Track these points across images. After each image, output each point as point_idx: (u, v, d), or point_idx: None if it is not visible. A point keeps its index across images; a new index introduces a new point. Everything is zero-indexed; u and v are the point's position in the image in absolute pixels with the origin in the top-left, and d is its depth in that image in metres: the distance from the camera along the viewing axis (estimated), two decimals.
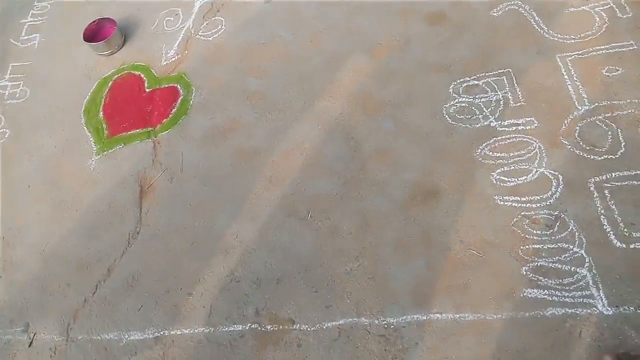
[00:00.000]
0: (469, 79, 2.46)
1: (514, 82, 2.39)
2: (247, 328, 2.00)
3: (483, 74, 2.46)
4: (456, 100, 2.40)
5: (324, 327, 1.96)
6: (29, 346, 2.16)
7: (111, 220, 2.40)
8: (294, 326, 1.98)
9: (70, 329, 2.14)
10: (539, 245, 1.96)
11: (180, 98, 2.75)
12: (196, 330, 2.03)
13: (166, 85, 2.83)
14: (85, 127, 2.80)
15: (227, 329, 2.01)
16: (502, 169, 2.17)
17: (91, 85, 2.98)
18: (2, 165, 2.77)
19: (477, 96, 2.39)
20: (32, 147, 2.78)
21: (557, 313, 1.83)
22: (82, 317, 2.16)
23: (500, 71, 2.44)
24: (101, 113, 2.82)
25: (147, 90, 2.84)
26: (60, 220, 2.47)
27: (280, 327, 1.99)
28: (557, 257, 1.92)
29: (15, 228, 2.53)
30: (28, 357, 2.14)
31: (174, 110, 2.72)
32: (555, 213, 2.01)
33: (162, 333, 2.05)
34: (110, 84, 2.96)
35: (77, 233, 2.41)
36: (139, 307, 2.13)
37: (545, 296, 1.86)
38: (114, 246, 2.32)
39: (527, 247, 1.97)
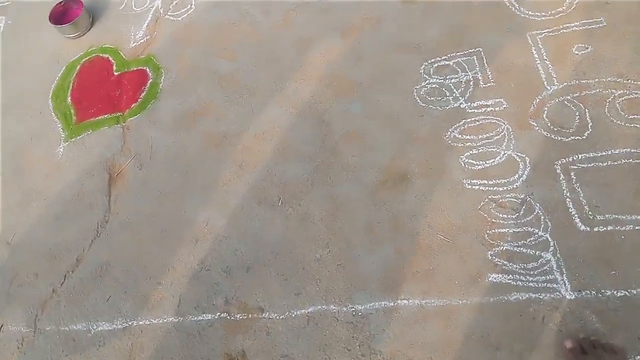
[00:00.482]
0: (439, 59, 2.41)
1: (484, 62, 2.35)
2: (216, 317, 2.01)
3: (454, 54, 2.41)
4: (427, 81, 2.36)
5: (293, 315, 1.97)
6: None
7: (79, 209, 2.37)
8: (263, 314, 1.99)
9: (38, 320, 2.13)
10: (504, 230, 1.96)
11: (150, 81, 2.69)
12: (165, 320, 2.03)
13: (135, 69, 2.76)
14: (53, 113, 2.73)
15: (196, 318, 2.02)
16: (471, 152, 2.15)
17: (59, 70, 2.89)
18: None
19: (447, 77, 2.35)
20: (0, 135, 2.72)
21: (521, 298, 1.84)
22: (50, 308, 2.15)
23: (470, 50, 2.40)
24: (69, 98, 2.75)
25: (116, 73, 2.77)
26: (27, 210, 2.44)
27: (250, 315, 1.99)
28: (522, 242, 1.93)
29: None
30: None
31: (143, 94, 2.65)
32: (522, 196, 2.01)
33: (130, 323, 2.05)
34: (78, 67, 2.88)
35: (45, 222, 2.38)
36: (107, 297, 2.12)
37: (510, 281, 1.88)
38: (82, 235, 2.30)
39: (493, 231, 1.97)
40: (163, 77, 2.69)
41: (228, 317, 2.00)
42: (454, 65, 2.37)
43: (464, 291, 1.89)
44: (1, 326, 2.16)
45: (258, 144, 2.39)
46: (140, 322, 2.04)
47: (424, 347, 1.82)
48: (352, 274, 2.01)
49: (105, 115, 2.63)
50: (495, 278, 1.89)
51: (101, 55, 2.87)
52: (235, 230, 2.20)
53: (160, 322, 2.03)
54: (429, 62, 2.41)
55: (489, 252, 1.94)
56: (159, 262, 2.17)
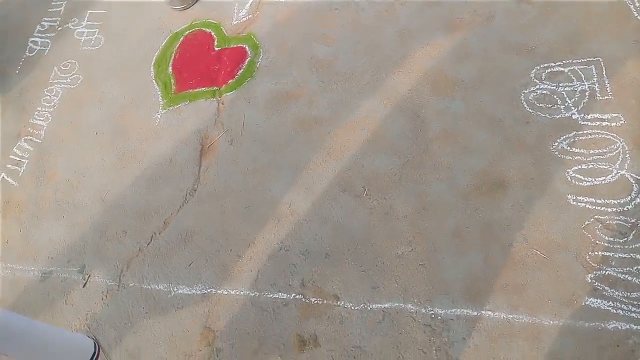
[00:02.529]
0: (553, 64, 2.27)
1: (604, 73, 2.18)
2: (291, 297, 2.01)
3: (570, 61, 2.26)
4: (537, 86, 2.23)
5: (369, 308, 1.93)
6: (83, 287, 2.27)
7: (171, 175, 2.45)
8: (338, 302, 1.96)
9: (123, 275, 2.23)
10: (609, 253, 1.81)
11: (248, 59, 2.73)
12: (242, 293, 2.05)
13: (235, 46, 2.81)
14: (154, 81, 2.84)
15: (271, 295, 2.02)
16: (580, 167, 2.00)
17: (163, 39, 3.01)
18: (74, 111, 2.87)
19: (560, 84, 2.21)
20: (103, 96, 2.87)
21: (620, 327, 1.69)
22: (136, 265, 2.24)
23: (589, 59, 2.23)
24: (170, 68, 2.86)
25: (216, 49, 2.84)
26: (123, 170, 2.56)
27: (325, 301, 1.98)
28: (627, 268, 1.77)
29: (80, 172, 2.64)
30: (81, 296, 2.25)
31: (240, 71, 2.70)
32: (632, 221, 1.85)
33: (209, 291, 2.09)
34: (181, 39, 2.98)
35: (138, 184, 2.49)
36: (189, 262, 2.18)
37: (610, 308, 1.73)
38: (171, 200, 2.37)
39: (596, 253, 1.82)
40: (261, 57, 2.72)
41: (303, 300, 2.00)
42: (568, 73, 2.22)
43: (557, 312, 1.76)
44: (88, 277, 2.28)
45: (348, 132, 2.36)
46: (219, 291, 2.08)
47: None
48: (435, 276, 1.93)
49: (203, 88, 2.70)
50: (593, 303, 1.75)
51: (204, 29, 2.95)
52: (317, 215, 2.18)
53: (237, 293, 2.06)
54: (542, 66, 2.27)
55: (589, 275, 1.80)
56: (240, 236, 2.20)
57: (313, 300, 1.99)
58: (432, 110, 2.30)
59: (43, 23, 3.35)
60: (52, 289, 2.31)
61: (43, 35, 3.29)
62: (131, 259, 2.27)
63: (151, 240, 2.29)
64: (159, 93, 2.77)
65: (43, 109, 2.93)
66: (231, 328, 1.99)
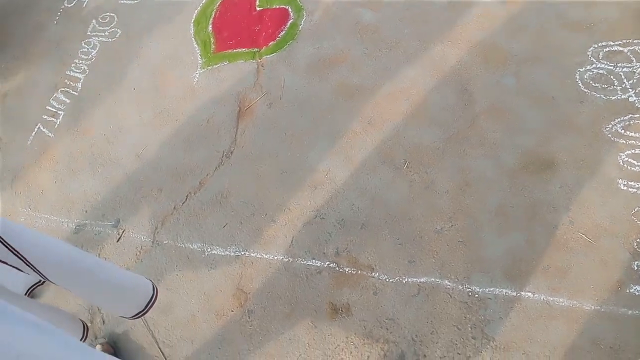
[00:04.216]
0: (612, 43, 2.16)
1: None
2: (325, 265, 1.99)
3: (630, 40, 2.14)
4: (593, 65, 2.12)
5: (404, 282, 1.91)
6: (117, 241, 2.29)
7: (208, 136, 2.43)
8: (373, 274, 1.94)
9: (157, 233, 2.24)
10: None
11: (290, 21, 2.66)
12: (275, 257, 2.05)
13: (277, 7, 2.74)
14: (193, 39, 2.80)
15: (305, 262, 2.01)
16: (633, 151, 1.92)
17: None
18: (111, 65, 2.85)
19: (619, 64, 2.10)
20: (141, 51, 2.84)
21: None
22: (170, 224, 2.24)
23: None
24: (210, 27, 2.80)
25: (258, 9, 2.77)
26: (159, 127, 2.54)
27: (359, 271, 1.96)
28: None
29: (116, 127, 2.63)
30: (115, 250, 2.27)
31: (282, 33, 2.63)
32: None
33: (242, 253, 2.09)
34: None
35: (174, 143, 2.47)
36: (224, 224, 2.17)
37: None
38: (207, 161, 2.36)
39: None
40: (304, 19, 2.65)
41: (337, 268, 1.98)
42: (628, 53, 2.11)
43: (599, 297, 1.72)
44: (123, 232, 2.30)
45: (391, 102, 2.30)
46: (252, 254, 2.08)
47: (543, 345, 1.69)
48: (474, 253, 1.90)
49: (243, 49, 2.65)
50: (638, 291, 1.70)
51: None
52: (354, 185, 2.15)
53: (271, 258, 2.05)
54: (600, 44, 2.16)
55: (636, 262, 1.74)
56: (276, 200, 2.18)
57: (347, 270, 1.97)
58: (481, 84, 2.22)
59: None
60: (86, 242, 2.34)
61: None
62: (166, 216, 2.28)
63: (186, 199, 2.29)
64: (197, 51, 2.73)
65: (80, 62, 2.92)
66: (264, 291, 1.99)
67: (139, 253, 2.22)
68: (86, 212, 2.43)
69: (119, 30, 2.97)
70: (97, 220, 2.38)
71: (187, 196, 2.30)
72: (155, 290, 1.53)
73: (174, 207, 2.29)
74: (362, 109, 2.32)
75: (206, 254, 2.13)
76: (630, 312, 1.68)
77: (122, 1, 3.08)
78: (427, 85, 2.29)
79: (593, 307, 1.71)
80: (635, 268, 1.74)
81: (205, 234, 2.18)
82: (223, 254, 2.11)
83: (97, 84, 2.82)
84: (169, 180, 2.37)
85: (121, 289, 1.42)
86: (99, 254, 2.29)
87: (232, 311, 1.98)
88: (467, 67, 2.27)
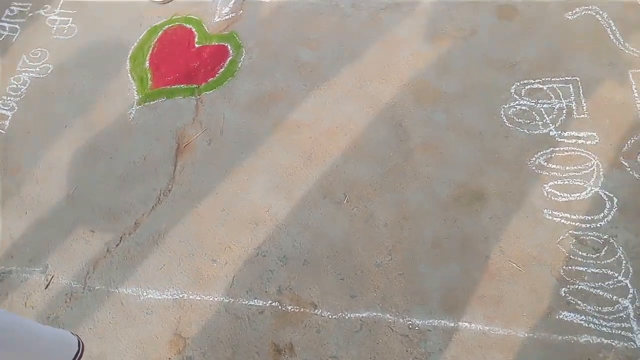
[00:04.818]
0: (533, 81, 2.32)
1: (580, 92, 2.24)
2: (267, 305, 1.96)
3: (549, 78, 2.31)
4: (516, 102, 2.27)
5: (346, 317, 1.90)
6: (46, 288, 2.15)
7: (144, 173, 2.36)
8: (316, 311, 1.93)
9: (89, 278, 2.13)
10: (582, 268, 1.86)
11: (229, 58, 2.67)
12: (216, 299, 1.99)
13: (216, 43, 2.75)
14: (129, 74, 2.74)
15: (247, 302, 1.97)
16: (555, 182, 2.05)
17: (141, 32, 2.91)
18: (42, 101, 2.74)
19: (539, 101, 2.25)
20: (74, 87, 2.75)
21: (591, 341, 1.73)
22: (103, 267, 2.14)
23: (567, 78, 2.29)
24: (147, 62, 2.76)
25: (197, 45, 2.76)
26: (92, 166, 2.45)
27: (302, 309, 1.94)
28: (599, 283, 1.82)
29: (46, 166, 2.51)
30: (43, 298, 2.13)
31: (221, 70, 2.64)
32: (605, 237, 1.90)
33: (181, 296, 2.02)
34: (160, 33, 2.88)
35: (107, 181, 2.39)
36: (161, 265, 2.10)
37: (582, 322, 1.77)
38: (143, 200, 2.29)
39: (570, 267, 1.86)
40: (243, 56, 2.67)
41: (279, 307, 1.95)
42: (547, 90, 2.27)
43: (531, 324, 1.79)
44: (52, 278, 2.17)
45: (330, 138, 2.34)
46: (191, 297, 2.01)
47: None
48: (413, 286, 1.93)
49: (181, 85, 2.62)
50: (566, 316, 1.79)
51: (184, 25, 2.88)
52: (296, 220, 2.15)
53: (211, 299, 1.99)
54: (522, 82, 2.31)
55: (563, 289, 1.83)
56: (216, 239, 2.14)
57: (290, 308, 1.95)
58: (415, 120, 2.31)
59: (12, 8, 3.18)
60: (12, 290, 2.18)
61: (12, 20, 3.12)
62: (98, 260, 2.17)
63: (120, 241, 2.20)
64: (134, 87, 2.67)
65: (9, 99, 2.78)
66: (203, 335, 1.92)
67: (68, 300, 2.10)
68: (12, 257, 2.27)
69: (50, 66, 2.86)
70: (24, 266, 2.23)
71: (121, 237, 2.20)
72: (81, 345, 1.44)
73: (107, 250, 2.19)
74: (302, 145, 2.34)
75: (142, 298, 2.04)
76: (560, 337, 1.76)
77: (55, 36, 2.98)
78: (364, 121, 2.36)
79: (526, 335, 1.78)
80: (563, 294, 1.83)
81: (141, 277, 2.09)
82: (160, 297, 2.03)
83: (26, 121, 2.69)
84: (102, 221, 2.27)
85: (42, 348, 1.32)
86: (25, 303, 2.14)
87: (170, 358, 1.90)
88: (401, 103, 2.36)
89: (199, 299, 2.01)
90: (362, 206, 2.14)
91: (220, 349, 1.89)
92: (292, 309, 1.94)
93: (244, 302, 1.98)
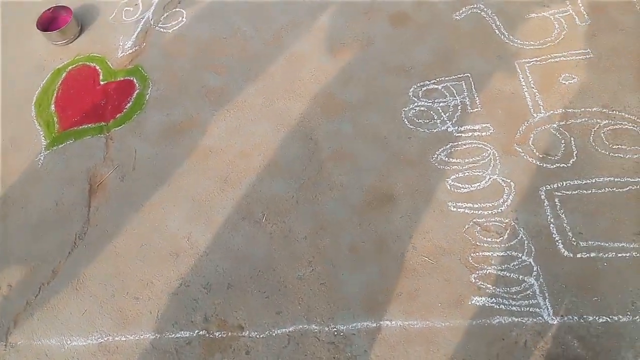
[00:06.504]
0: (428, 82, 2.44)
1: (472, 87, 2.38)
2: (194, 335, 1.96)
3: (443, 78, 2.45)
4: (415, 103, 2.38)
5: (274, 334, 1.93)
6: None
7: (58, 219, 2.31)
8: (243, 333, 1.94)
9: (10, 334, 2.05)
10: (488, 253, 1.97)
11: (136, 92, 2.66)
12: (141, 337, 1.97)
13: (122, 78, 2.73)
14: (35, 121, 2.67)
15: (173, 335, 1.96)
16: (457, 175, 2.17)
17: (44, 76, 2.85)
18: None
19: (436, 100, 2.38)
20: None
21: (503, 322, 1.84)
22: (23, 321, 2.07)
23: (459, 76, 2.43)
24: (53, 106, 2.71)
25: (102, 82, 2.74)
26: (4, 218, 2.36)
27: (229, 333, 1.95)
28: (505, 265, 1.94)
29: None
30: None
31: (128, 105, 2.62)
32: (506, 221, 2.02)
33: (105, 339, 1.98)
34: (63, 75, 2.83)
35: (21, 232, 2.31)
36: (83, 311, 2.05)
37: (493, 304, 1.87)
38: (59, 247, 2.23)
39: (477, 254, 1.97)
40: (150, 88, 2.66)
41: (207, 335, 1.95)
42: (442, 90, 2.40)
43: (447, 314, 1.88)
44: None
45: (244, 159, 2.37)
46: (116, 338, 1.98)
47: None
48: (335, 293, 1.98)
49: (89, 125, 2.59)
50: (478, 301, 1.89)
51: (88, 63, 2.84)
52: (217, 246, 2.16)
53: (136, 338, 1.97)
54: (418, 85, 2.44)
55: (473, 275, 1.94)
56: (137, 276, 2.12)
57: (217, 335, 1.95)
58: (324, 132, 2.38)
59: None
60: None
61: None
62: (18, 314, 2.10)
63: (39, 291, 2.13)
64: (41, 133, 2.61)
65: None
66: None
67: None
68: None
69: None
70: None
71: (40, 288, 2.14)
72: None
73: (27, 303, 2.12)
74: (217, 170, 2.36)
75: (66, 347, 1.99)
76: (474, 322, 1.85)
77: None
78: (276, 138, 2.40)
79: (443, 324, 1.86)
80: (473, 280, 1.93)
81: (63, 326, 2.04)
82: (84, 344, 1.99)
83: None
84: (18, 274, 2.19)
85: None
86: None
87: None
88: (310, 117, 2.43)
89: (124, 339, 1.97)
90: (281, 222, 2.18)
91: None
92: (220, 335, 1.95)
93: (170, 336, 1.96)
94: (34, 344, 2.02)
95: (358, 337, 1.88)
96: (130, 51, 2.83)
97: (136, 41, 2.87)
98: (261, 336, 1.93)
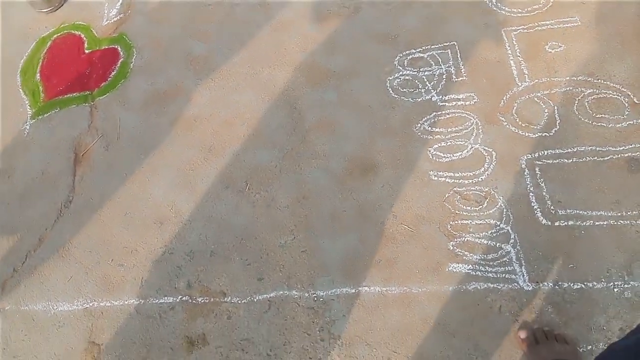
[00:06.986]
0: (414, 51, 2.42)
1: (458, 56, 2.36)
2: (177, 300, 2.00)
3: (428, 47, 2.42)
4: (400, 72, 2.36)
5: (255, 300, 1.97)
6: None
7: (44, 188, 2.33)
8: (225, 298, 1.98)
9: None
10: (467, 221, 1.99)
11: (120, 60, 2.64)
12: (126, 302, 2.01)
13: (106, 47, 2.71)
14: (21, 90, 2.66)
15: (157, 301, 2.00)
16: (439, 145, 2.17)
17: (29, 45, 2.82)
18: None
19: (421, 69, 2.36)
20: None
21: (479, 288, 1.87)
22: (10, 288, 2.11)
23: (445, 44, 2.41)
24: (38, 75, 2.69)
25: (87, 51, 2.71)
26: None
27: (212, 299, 1.99)
28: (483, 233, 1.96)
29: None
30: None
31: (113, 73, 2.60)
32: (486, 189, 2.04)
33: (91, 304, 2.02)
34: (49, 43, 2.81)
35: (7, 201, 2.33)
36: (68, 277, 2.09)
37: (470, 271, 1.90)
38: (45, 215, 2.25)
39: (456, 222, 1.99)
40: (134, 57, 2.64)
41: (189, 301, 1.99)
42: (428, 58, 2.38)
43: (424, 280, 1.91)
44: None
45: (229, 128, 2.37)
46: (101, 304, 2.02)
47: (382, 332, 1.83)
48: (316, 260, 2.01)
49: (74, 94, 2.58)
50: (455, 268, 1.91)
51: (73, 32, 2.81)
52: (200, 214, 2.18)
53: (121, 303, 2.01)
54: (404, 53, 2.41)
55: (451, 243, 1.96)
56: (121, 244, 2.15)
57: (200, 300, 1.99)
58: (308, 101, 2.37)
59: None
60: None
61: None
62: (5, 281, 2.14)
63: (26, 259, 2.17)
64: (26, 102, 2.60)
65: None
66: (116, 339, 1.94)
67: None
68: None
69: None
70: None
71: (26, 255, 2.17)
72: None
73: (14, 270, 2.15)
74: (201, 139, 2.36)
75: (52, 312, 2.03)
76: (451, 288, 1.89)
77: None
78: (260, 108, 2.40)
79: (420, 290, 1.89)
80: (451, 248, 1.95)
81: (50, 292, 2.08)
82: (70, 309, 2.03)
83: None
84: (5, 242, 2.22)
85: None
86: None
87: None
88: (294, 86, 2.42)
89: (109, 304, 2.02)
90: (264, 191, 2.19)
91: (134, 350, 1.91)
92: (203, 301, 1.99)
93: (154, 302, 2.00)
94: (21, 309, 2.07)
95: (337, 302, 1.91)
96: (115, 19, 2.80)
97: (121, 9, 2.83)
98: (243, 302, 1.97)
